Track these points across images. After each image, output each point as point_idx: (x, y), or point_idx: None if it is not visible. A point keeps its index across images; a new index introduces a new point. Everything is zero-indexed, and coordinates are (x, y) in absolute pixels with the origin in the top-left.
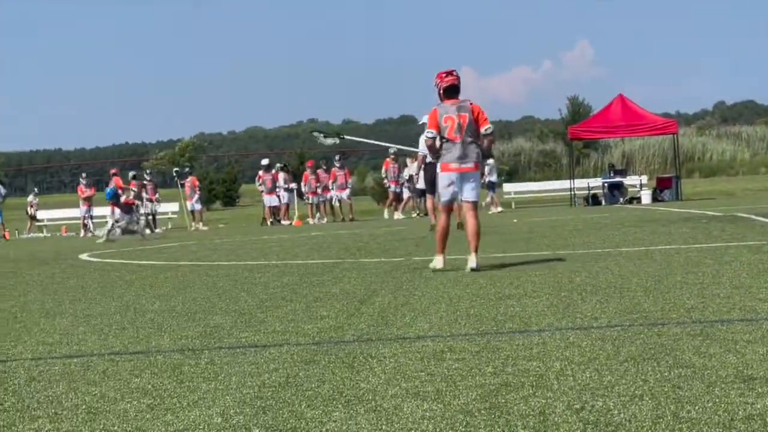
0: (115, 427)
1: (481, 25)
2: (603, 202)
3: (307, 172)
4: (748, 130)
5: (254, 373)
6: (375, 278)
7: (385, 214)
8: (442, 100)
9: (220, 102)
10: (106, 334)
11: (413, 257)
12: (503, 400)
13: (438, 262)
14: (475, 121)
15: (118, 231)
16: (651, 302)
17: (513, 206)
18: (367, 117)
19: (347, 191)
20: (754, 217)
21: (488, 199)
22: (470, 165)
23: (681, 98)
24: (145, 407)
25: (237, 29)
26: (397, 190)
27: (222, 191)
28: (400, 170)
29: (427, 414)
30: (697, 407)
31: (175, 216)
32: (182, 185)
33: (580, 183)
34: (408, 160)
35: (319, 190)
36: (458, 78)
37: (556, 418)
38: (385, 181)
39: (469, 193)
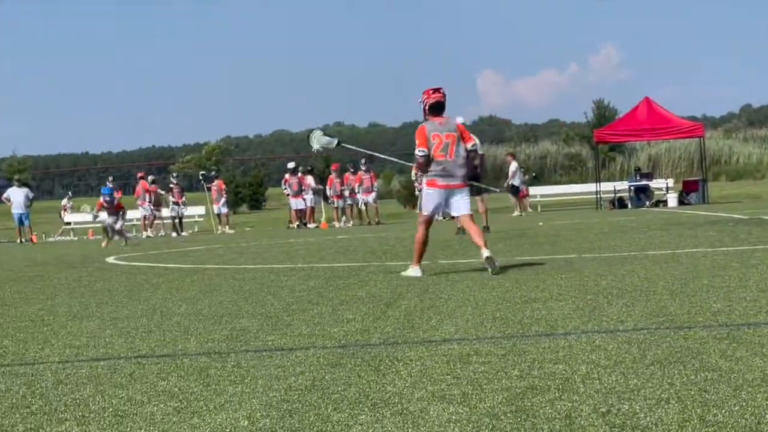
0: (142, 431)
1: (507, 29)
2: (629, 206)
3: (333, 175)
4: None
5: (280, 376)
6: (401, 281)
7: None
8: (426, 116)
9: (247, 105)
10: (133, 337)
11: (439, 260)
12: (529, 404)
13: (415, 271)
14: (461, 140)
15: (110, 231)
16: (677, 305)
17: (539, 209)
18: (393, 120)
19: (373, 194)
20: None
21: (513, 201)
22: (458, 182)
23: (707, 101)
24: (171, 410)
25: (264, 33)
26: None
27: (248, 194)
28: None
29: (453, 417)
30: (723, 411)
31: (202, 219)
32: (209, 189)
33: (606, 186)
34: None
35: (345, 194)
36: (444, 96)
37: (582, 422)
38: (416, 183)
39: (460, 206)
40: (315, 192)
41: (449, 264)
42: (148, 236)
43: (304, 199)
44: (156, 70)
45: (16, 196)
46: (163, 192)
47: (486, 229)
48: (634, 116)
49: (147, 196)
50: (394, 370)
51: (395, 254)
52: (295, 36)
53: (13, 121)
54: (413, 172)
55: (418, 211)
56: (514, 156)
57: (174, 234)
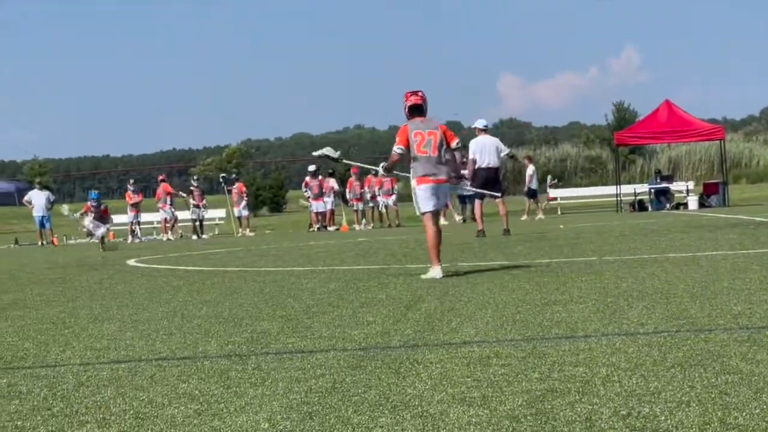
0: None
1: (527, 32)
2: (649, 208)
3: (352, 178)
4: None
5: (301, 379)
6: (421, 284)
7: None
8: (408, 118)
9: (267, 108)
10: (154, 339)
11: (459, 263)
12: (549, 406)
13: (436, 272)
14: (445, 139)
15: (98, 231)
16: (698, 308)
17: (559, 212)
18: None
19: (393, 197)
20: None
21: (532, 206)
22: (443, 176)
23: (728, 104)
24: (192, 412)
25: (285, 35)
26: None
27: (269, 197)
28: None
29: (474, 420)
30: (744, 413)
31: (222, 222)
32: (229, 191)
33: (626, 189)
34: None
35: (367, 197)
36: (423, 98)
37: (602, 425)
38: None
39: (440, 203)
40: (336, 195)
41: (469, 266)
42: (168, 239)
43: (324, 202)
44: (177, 73)
45: (38, 198)
46: (184, 195)
47: (506, 232)
48: (654, 119)
49: (168, 199)
50: (414, 372)
51: (415, 257)
52: (316, 39)
53: (34, 125)
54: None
55: (417, 213)
56: (531, 159)
57: (194, 237)
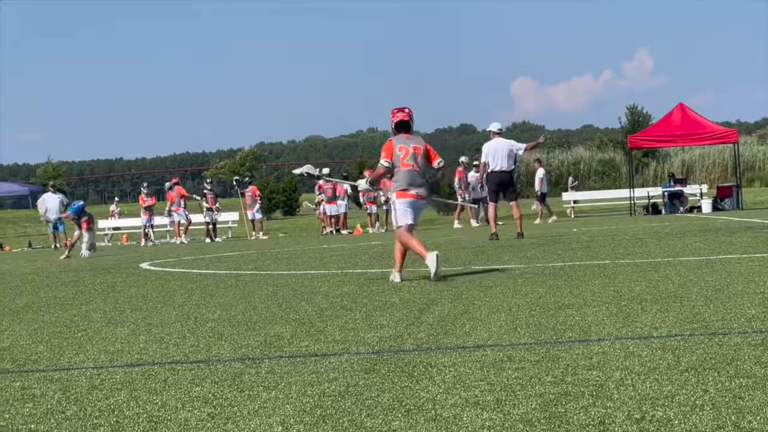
0: None
1: (541, 35)
2: (663, 211)
3: None
4: None
5: (314, 382)
6: (434, 287)
7: (455, 224)
8: (394, 134)
9: (281, 111)
10: (167, 342)
11: (472, 266)
12: (563, 410)
13: (395, 276)
14: (427, 156)
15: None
16: (712, 312)
17: (572, 215)
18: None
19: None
20: None
21: (537, 208)
22: (422, 193)
23: (741, 107)
24: (205, 416)
25: (298, 39)
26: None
27: (282, 200)
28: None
29: (487, 423)
30: (758, 417)
31: (236, 225)
32: (243, 194)
33: (639, 192)
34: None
35: (381, 200)
36: (409, 115)
37: (616, 428)
38: (459, 191)
39: (415, 218)
40: (350, 198)
41: (483, 269)
42: (182, 242)
43: (338, 205)
44: (191, 76)
45: (51, 202)
46: (197, 197)
47: (520, 235)
48: (668, 122)
49: (182, 202)
50: (427, 376)
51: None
52: (330, 43)
53: (48, 128)
54: (456, 179)
55: (395, 227)
56: (541, 163)
57: (208, 240)
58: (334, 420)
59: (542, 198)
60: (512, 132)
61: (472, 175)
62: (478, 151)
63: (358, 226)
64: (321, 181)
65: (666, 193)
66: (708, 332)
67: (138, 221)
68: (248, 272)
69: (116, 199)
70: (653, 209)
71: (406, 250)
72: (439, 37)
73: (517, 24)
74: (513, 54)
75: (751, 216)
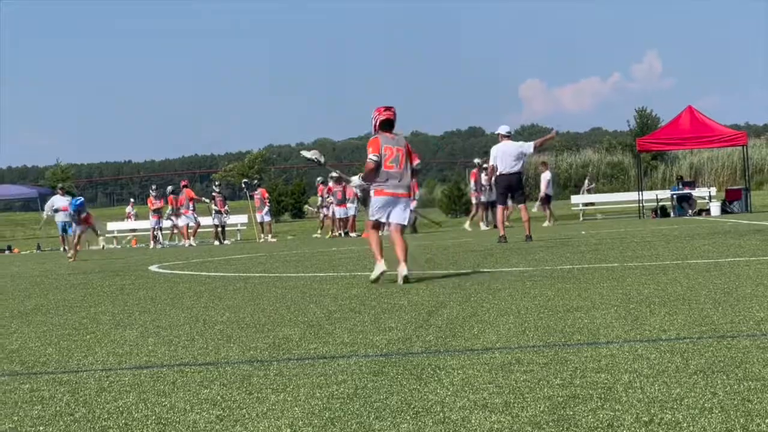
0: None
1: (550, 37)
2: (672, 214)
3: None
4: None
5: (323, 385)
6: (443, 290)
7: (469, 226)
8: (376, 131)
9: (289, 114)
10: (176, 345)
11: (481, 269)
12: (571, 413)
13: (379, 267)
14: (408, 156)
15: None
16: (720, 314)
17: (581, 218)
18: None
19: (414, 203)
20: None
21: (542, 211)
22: (403, 191)
23: (750, 109)
24: (214, 418)
25: (306, 42)
26: (482, 200)
27: (291, 203)
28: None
29: (495, 426)
30: (767, 420)
31: (244, 228)
32: (251, 197)
33: (648, 195)
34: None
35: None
36: (395, 114)
37: (624, 431)
38: (474, 192)
39: (399, 215)
40: (359, 200)
41: (491, 272)
42: (191, 245)
43: (347, 208)
44: (199, 79)
45: (60, 204)
46: (206, 200)
47: (528, 238)
48: (676, 125)
49: (190, 205)
50: (436, 378)
51: (437, 263)
52: (337, 45)
53: (56, 131)
54: (472, 180)
55: (366, 219)
56: (547, 165)
57: (216, 242)
58: (343, 422)
59: (548, 200)
60: (521, 135)
61: (485, 177)
62: (487, 153)
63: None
64: (331, 183)
65: (675, 196)
66: (716, 335)
67: (147, 224)
68: (257, 275)
69: (132, 200)
70: (662, 212)
71: (380, 240)
72: (447, 39)
73: (525, 26)
74: (521, 56)
75: (759, 219)
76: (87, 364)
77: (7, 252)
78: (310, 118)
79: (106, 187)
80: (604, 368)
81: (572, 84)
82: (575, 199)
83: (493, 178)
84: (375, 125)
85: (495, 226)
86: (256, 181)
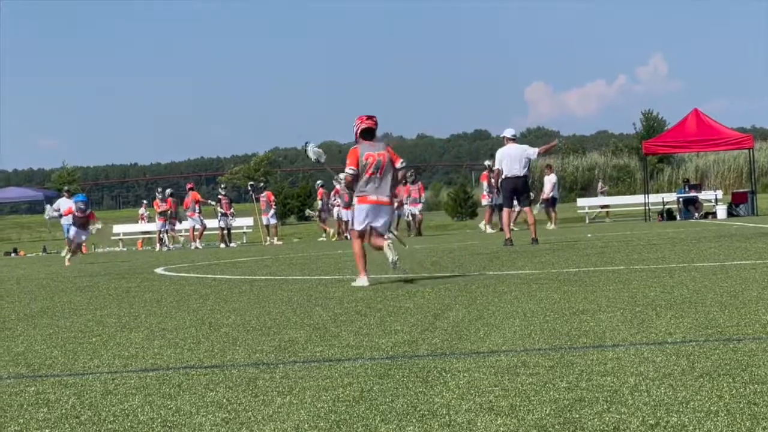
0: None
1: (555, 40)
2: (678, 217)
3: None
4: None
5: (328, 387)
6: (448, 293)
7: (486, 229)
8: (357, 139)
9: (295, 117)
10: (182, 347)
11: (487, 272)
12: (577, 415)
13: (362, 281)
14: (391, 160)
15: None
16: (726, 317)
17: (587, 221)
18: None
19: (420, 206)
20: None
21: (551, 214)
22: (385, 198)
23: (757, 112)
24: (220, 421)
25: (311, 45)
26: (492, 203)
27: (296, 206)
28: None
29: (501, 429)
30: None
31: (250, 230)
32: (257, 199)
33: (654, 198)
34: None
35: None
36: (376, 123)
37: None
38: (485, 195)
39: (380, 223)
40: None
41: (497, 275)
42: (197, 247)
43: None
44: (205, 82)
45: (66, 206)
46: (212, 202)
47: (535, 241)
48: (682, 128)
49: (196, 207)
50: (441, 381)
51: (443, 266)
52: (343, 48)
53: (62, 133)
54: (484, 183)
55: (350, 228)
56: (552, 168)
57: (222, 245)
58: (349, 425)
59: (553, 203)
60: (526, 138)
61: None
62: (493, 157)
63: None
64: (338, 186)
65: (681, 199)
66: (722, 338)
67: (153, 226)
68: (263, 277)
69: (144, 202)
70: (668, 215)
71: (364, 251)
72: (453, 42)
73: (531, 29)
74: (527, 59)
75: (766, 222)
76: (93, 366)
77: (13, 255)
78: (316, 120)
79: (112, 189)
80: (610, 371)
81: (578, 87)
82: (581, 201)
83: (499, 181)
84: (356, 133)
85: (501, 229)
86: (262, 184)
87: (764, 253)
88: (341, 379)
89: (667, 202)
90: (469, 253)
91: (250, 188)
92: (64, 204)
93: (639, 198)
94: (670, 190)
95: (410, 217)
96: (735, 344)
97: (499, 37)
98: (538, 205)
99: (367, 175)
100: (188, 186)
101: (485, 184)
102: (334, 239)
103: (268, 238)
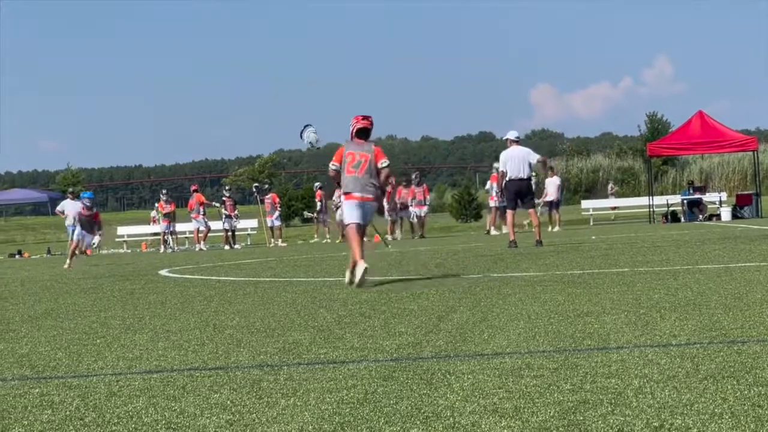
0: None
1: (560, 42)
2: (682, 219)
3: (389, 188)
4: None
5: (333, 389)
6: (453, 294)
7: (492, 231)
8: (352, 138)
9: (299, 119)
10: (186, 349)
11: (491, 273)
12: (581, 418)
13: (361, 266)
14: (375, 160)
15: (87, 240)
16: (731, 320)
17: (591, 223)
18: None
19: (425, 208)
20: None
21: (554, 216)
22: (368, 195)
23: (761, 114)
24: (224, 423)
25: (315, 47)
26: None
27: (301, 208)
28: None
29: (505, 431)
30: None
31: (255, 232)
32: (262, 201)
33: (659, 200)
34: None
35: (397, 206)
36: (371, 123)
37: None
38: (494, 197)
39: (364, 217)
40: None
41: (501, 277)
42: (201, 249)
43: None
44: (209, 83)
45: (70, 208)
46: (217, 204)
47: (539, 243)
48: (687, 130)
49: (201, 209)
50: (446, 383)
51: (448, 268)
52: (347, 50)
53: (67, 135)
54: (493, 185)
55: (343, 223)
56: (554, 170)
57: (227, 247)
58: (353, 427)
59: (556, 205)
60: (531, 140)
61: None
62: (497, 159)
63: (376, 233)
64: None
65: (685, 201)
66: (727, 340)
67: (157, 228)
68: (267, 279)
69: (156, 204)
70: (672, 217)
71: (360, 237)
72: (457, 44)
73: (536, 31)
74: (532, 61)
75: None
76: (97, 368)
77: (17, 256)
78: (320, 122)
79: (116, 191)
80: (614, 373)
81: (583, 89)
82: (586, 204)
83: (503, 184)
84: (351, 132)
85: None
86: (267, 186)
87: None
88: (345, 381)
89: (672, 204)
90: (473, 255)
91: (254, 190)
92: (69, 206)
93: (643, 200)
94: (674, 192)
95: (415, 219)
96: (739, 347)
97: (503, 39)
98: (539, 207)
99: (347, 174)
100: (192, 188)
101: (494, 185)
102: (338, 240)
103: (272, 240)
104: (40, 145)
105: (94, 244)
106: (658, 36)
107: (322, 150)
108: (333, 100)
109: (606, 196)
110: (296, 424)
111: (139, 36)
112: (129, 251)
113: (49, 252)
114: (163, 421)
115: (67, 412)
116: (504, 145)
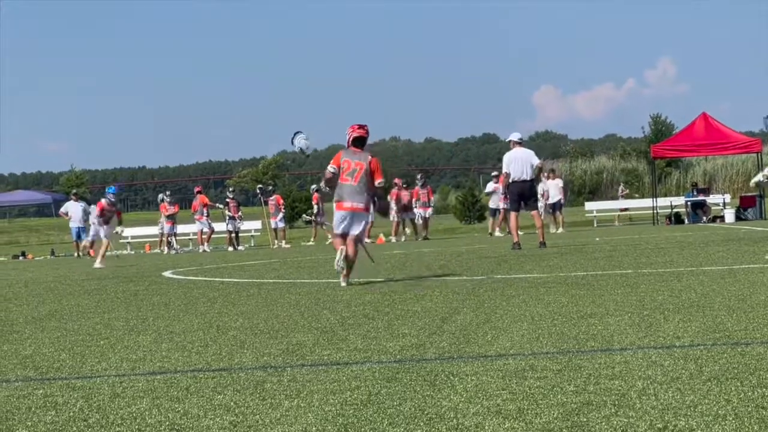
0: None
1: (563, 44)
2: (686, 221)
3: (395, 189)
4: None
5: (336, 391)
6: (456, 296)
7: (497, 232)
8: (348, 146)
9: (303, 120)
10: (189, 351)
11: (495, 275)
12: (585, 419)
13: (339, 255)
14: (372, 173)
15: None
16: (734, 321)
17: (595, 224)
18: (450, 135)
19: (430, 209)
20: None
21: (557, 218)
22: (359, 205)
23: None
24: (227, 424)
25: (319, 50)
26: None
27: (304, 209)
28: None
29: None
30: None
31: (258, 234)
32: (266, 203)
33: (662, 201)
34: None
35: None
36: (367, 132)
37: None
38: (503, 198)
39: (355, 228)
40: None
41: (505, 279)
42: (204, 250)
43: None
44: (213, 85)
45: (74, 210)
46: (220, 206)
47: (542, 244)
48: (691, 131)
49: (204, 211)
50: (449, 385)
51: (451, 269)
52: (351, 52)
53: (71, 137)
54: (500, 186)
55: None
56: (556, 173)
57: (230, 248)
58: (356, 429)
59: (560, 207)
60: (534, 141)
61: None
62: (500, 161)
63: (381, 235)
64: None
65: (689, 203)
66: (730, 342)
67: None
68: (270, 281)
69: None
70: (676, 219)
71: (354, 257)
72: (460, 45)
73: (540, 33)
74: (535, 63)
75: None
76: (101, 369)
77: (21, 258)
78: (322, 124)
79: (120, 193)
80: (617, 375)
81: (586, 90)
82: (589, 205)
83: (506, 185)
84: (348, 141)
85: (509, 233)
86: (271, 188)
87: None
88: (349, 383)
89: (675, 206)
90: (477, 257)
91: (258, 191)
92: (72, 207)
93: (647, 202)
94: (678, 194)
95: (420, 221)
96: (743, 348)
97: (507, 40)
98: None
99: (341, 181)
100: (196, 189)
101: (501, 187)
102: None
103: (276, 242)
104: (43, 147)
105: (120, 231)
106: (662, 37)
107: (310, 158)
108: (336, 102)
109: (616, 198)
110: (299, 425)
111: (141, 36)
112: (132, 252)
113: (52, 253)
114: (167, 423)
115: (71, 414)
116: (507, 146)
